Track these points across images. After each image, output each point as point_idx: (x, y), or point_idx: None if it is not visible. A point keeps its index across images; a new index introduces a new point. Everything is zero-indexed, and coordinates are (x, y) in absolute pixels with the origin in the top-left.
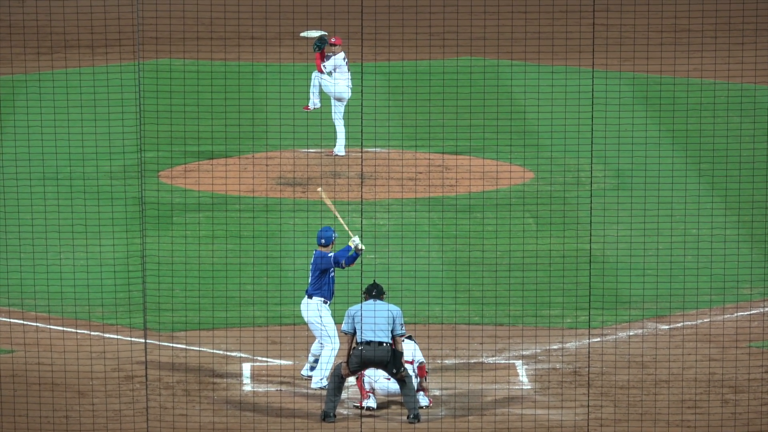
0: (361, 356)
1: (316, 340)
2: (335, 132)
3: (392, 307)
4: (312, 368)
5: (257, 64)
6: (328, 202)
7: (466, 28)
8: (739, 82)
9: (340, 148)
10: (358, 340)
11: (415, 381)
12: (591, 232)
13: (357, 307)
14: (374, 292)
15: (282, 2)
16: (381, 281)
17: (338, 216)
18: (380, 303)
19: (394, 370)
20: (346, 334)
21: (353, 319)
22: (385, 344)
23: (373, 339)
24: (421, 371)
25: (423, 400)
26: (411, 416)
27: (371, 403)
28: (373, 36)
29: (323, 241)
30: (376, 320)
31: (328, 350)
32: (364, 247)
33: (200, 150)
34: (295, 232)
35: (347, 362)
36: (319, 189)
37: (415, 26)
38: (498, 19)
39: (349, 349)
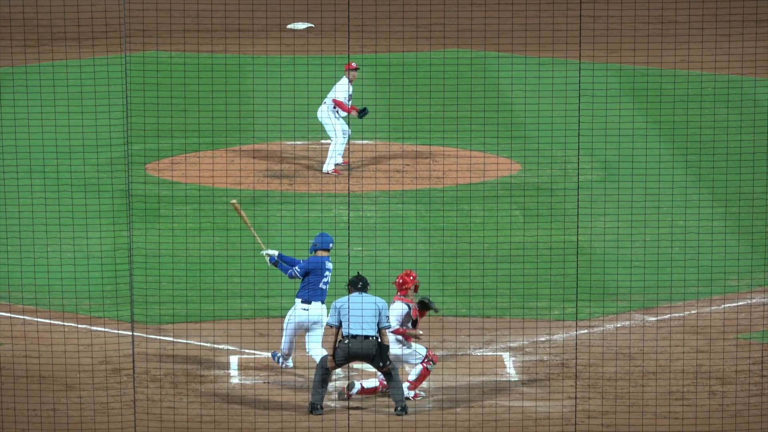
0: (348, 350)
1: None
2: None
3: (378, 299)
4: (284, 357)
5: (244, 56)
6: (241, 213)
7: (453, 20)
8: (726, 73)
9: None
10: (345, 333)
11: (416, 366)
12: (578, 223)
13: (344, 300)
14: (359, 284)
15: None
16: (368, 273)
17: (251, 227)
18: (367, 296)
19: (381, 364)
20: (331, 326)
21: (339, 312)
22: (371, 338)
23: (360, 333)
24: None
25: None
26: (398, 408)
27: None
28: (360, 28)
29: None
30: (363, 314)
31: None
32: (271, 252)
33: (187, 142)
34: (282, 225)
35: (333, 355)
36: (234, 200)
37: (402, 18)
38: (485, 11)
39: (335, 342)
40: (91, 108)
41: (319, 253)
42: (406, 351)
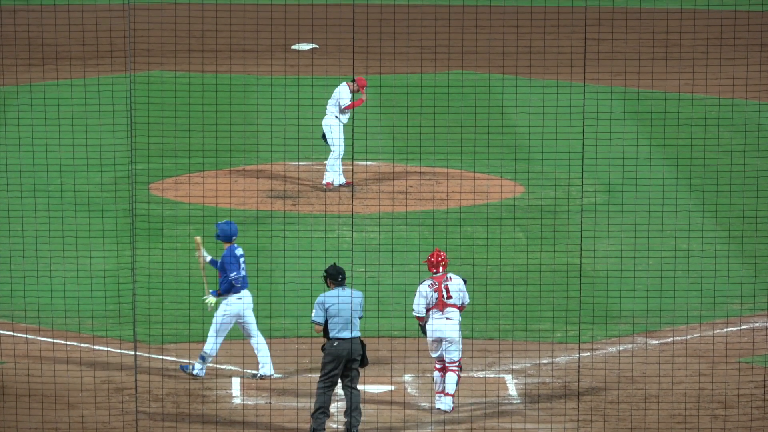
0: (337, 353)
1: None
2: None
3: (357, 293)
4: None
5: (248, 76)
6: (200, 251)
7: (458, 42)
8: (730, 97)
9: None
10: (332, 335)
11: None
12: (581, 246)
13: (331, 296)
14: (340, 277)
15: (273, 15)
16: (371, 294)
17: (203, 269)
18: (348, 291)
19: (366, 362)
20: (317, 324)
21: (327, 310)
22: (358, 338)
23: (349, 335)
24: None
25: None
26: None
27: (445, 405)
28: (364, 49)
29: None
30: (350, 312)
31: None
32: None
33: (191, 162)
34: (285, 246)
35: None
36: (198, 237)
37: (407, 39)
38: (489, 32)
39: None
40: (96, 127)
41: (227, 243)
42: (460, 342)
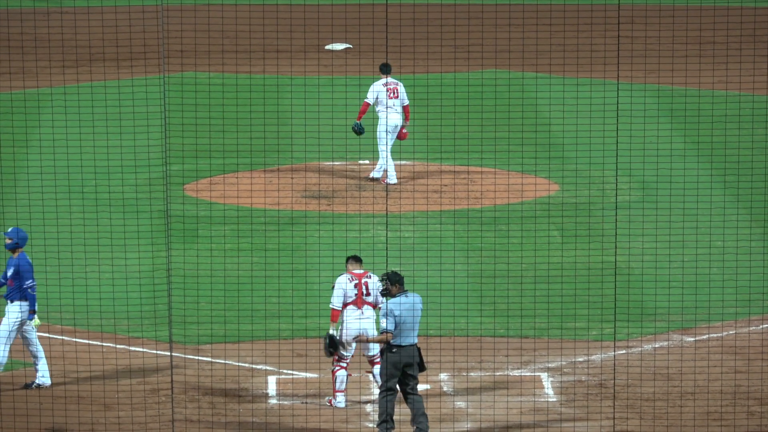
0: (399, 360)
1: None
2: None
3: (418, 297)
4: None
5: (282, 76)
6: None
7: (491, 41)
8: (764, 93)
9: (388, 175)
10: (394, 342)
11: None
12: (616, 244)
13: (405, 305)
14: (402, 281)
15: (307, 15)
16: None
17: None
18: (412, 296)
19: (424, 367)
20: (389, 333)
21: (396, 318)
22: (416, 345)
23: (409, 342)
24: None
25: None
26: None
27: (341, 402)
28: (398, 48)
29: (19, 243)
30: (414, 318)
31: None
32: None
33: (225, 163)
34: (320, 245)
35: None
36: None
37: (440, 39)
38: (523, 31)
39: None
40: (130, 129)
41: (17, 251)
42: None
